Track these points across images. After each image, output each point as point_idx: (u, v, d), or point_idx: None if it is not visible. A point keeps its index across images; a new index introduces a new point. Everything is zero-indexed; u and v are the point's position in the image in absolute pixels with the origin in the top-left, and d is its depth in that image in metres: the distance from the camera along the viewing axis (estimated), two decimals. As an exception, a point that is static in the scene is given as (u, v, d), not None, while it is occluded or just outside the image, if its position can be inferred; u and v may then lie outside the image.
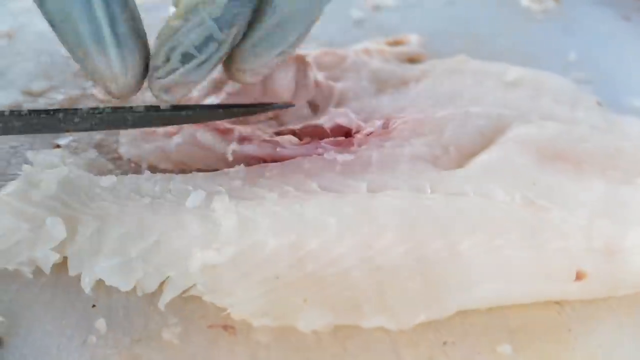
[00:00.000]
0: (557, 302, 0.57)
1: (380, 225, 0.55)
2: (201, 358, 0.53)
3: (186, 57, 0.56)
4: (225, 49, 0.56)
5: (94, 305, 0.55)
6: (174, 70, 0.56)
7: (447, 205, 0.57)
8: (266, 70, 0.60)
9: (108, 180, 0.60)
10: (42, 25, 0.83)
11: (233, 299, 0.53)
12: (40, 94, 0.78)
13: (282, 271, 0.53)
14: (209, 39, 0.55)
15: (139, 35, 0.56)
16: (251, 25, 0.57)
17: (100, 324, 0.54)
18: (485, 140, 0.63)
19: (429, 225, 0.55)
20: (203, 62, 0.56)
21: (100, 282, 0.55)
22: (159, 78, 0.57)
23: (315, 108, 0.69)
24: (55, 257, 0.56)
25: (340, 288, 0.53)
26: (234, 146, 0.62)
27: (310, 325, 0.52)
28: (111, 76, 0.55)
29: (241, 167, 0.61)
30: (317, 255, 0.54)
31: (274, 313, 0.53)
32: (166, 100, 0.58)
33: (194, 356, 0.53)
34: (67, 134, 0.70)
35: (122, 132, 0.69)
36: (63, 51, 0.82)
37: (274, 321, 0.52)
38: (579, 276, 0.56)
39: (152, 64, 0.57)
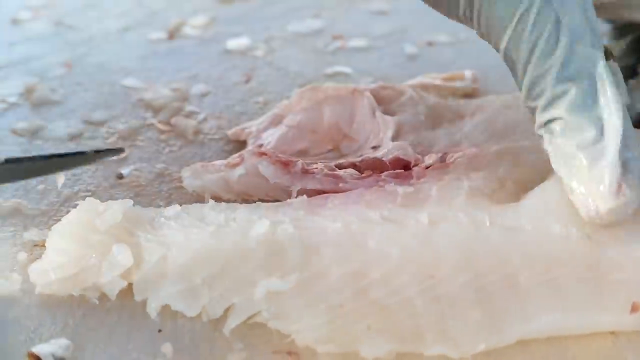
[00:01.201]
0: (612, 333, 0.57)
1: (441, 256, 0.56)
2: (266, 383, 0.54)
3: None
4: None
5: (160, 330, 0.56)
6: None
7: (505, 238, 0.57)
8: None
9: (173, 209, 0.61)
10: (101, 56, 0.85)
11: (297, 325, 0.54)
12: (101, 124, 0.80)
13: (346, 299, 0.54)
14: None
15: None
16: None
17: (167, 348, 0.55)
18: (540, 174, 0.64)
19: (488, 257, 0.56)
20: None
21: (165, 307, 0.57)
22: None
23: (373, 141, 0.71)
24: (122, 284, 0.57)
25: (402, 316, 0.54)
26: (296, 181, 0.64)
27: (373, 352, 0.53)
28: None
29: (304, 198, 0.62)
30: (379, 284, 0.55)
31: (338, 340, 0.54)
32: None
33: (259, 381, 0.54)
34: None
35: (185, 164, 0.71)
36: (124, 82, 0.84)
37: (337, 348, 0.53)
38: (635, 308, 0.56)
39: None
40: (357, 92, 0.74)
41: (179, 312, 0.57)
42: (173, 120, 0.79)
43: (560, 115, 0.56)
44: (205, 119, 0.80)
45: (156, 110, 0.82)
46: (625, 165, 0.55)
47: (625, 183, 0.54)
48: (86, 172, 0.71)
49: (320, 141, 0.70)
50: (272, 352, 0.54)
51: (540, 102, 0.58)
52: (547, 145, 0.58)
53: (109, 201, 0.60)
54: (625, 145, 0.55)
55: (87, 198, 0.61)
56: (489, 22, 0.58)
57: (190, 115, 0.81)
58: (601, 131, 0.55)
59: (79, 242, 0.58)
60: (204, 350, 0.55)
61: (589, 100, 0.56)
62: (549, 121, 0.58)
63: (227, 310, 0.56)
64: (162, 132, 0.78)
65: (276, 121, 0.73)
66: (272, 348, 0.55)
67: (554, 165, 0.58)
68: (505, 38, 0.58)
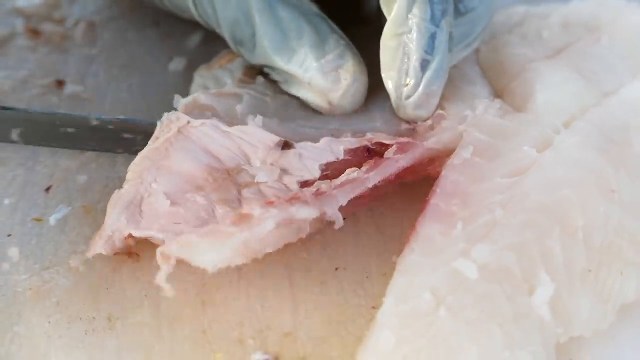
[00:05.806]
0: None
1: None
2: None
3: (424, 65, 0.58)
4: (446, 44, 0.59)
5: (9, 235, 0.58)
6: (418, 84, 0.59)
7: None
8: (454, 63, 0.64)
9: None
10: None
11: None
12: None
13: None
14: (431, 38, 0.58)
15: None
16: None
17: (13, 252, 0.57)
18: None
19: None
20: (439, 65, 0.59)
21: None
22: (408, 98, 0.59)
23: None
24: None
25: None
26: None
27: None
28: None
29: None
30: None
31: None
32: (421, 115, 0.61)
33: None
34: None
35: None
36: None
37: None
38: None
39: (395, 90, 0.60)
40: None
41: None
42: (42, 27, 0.79)
43: None
44: (75, 25, 0.80)
45: (28, 18, 0.81)
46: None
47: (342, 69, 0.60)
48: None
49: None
50: (113, 253, 0.55)
51: None
52: None
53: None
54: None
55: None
56: None
57: (60, 21, 0.80)
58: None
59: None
60: (48, 253, 0.57)
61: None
62: None
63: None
64: (30, 39, 0.78)
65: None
66: (113, 250, 0.55)
67: None
68: None
